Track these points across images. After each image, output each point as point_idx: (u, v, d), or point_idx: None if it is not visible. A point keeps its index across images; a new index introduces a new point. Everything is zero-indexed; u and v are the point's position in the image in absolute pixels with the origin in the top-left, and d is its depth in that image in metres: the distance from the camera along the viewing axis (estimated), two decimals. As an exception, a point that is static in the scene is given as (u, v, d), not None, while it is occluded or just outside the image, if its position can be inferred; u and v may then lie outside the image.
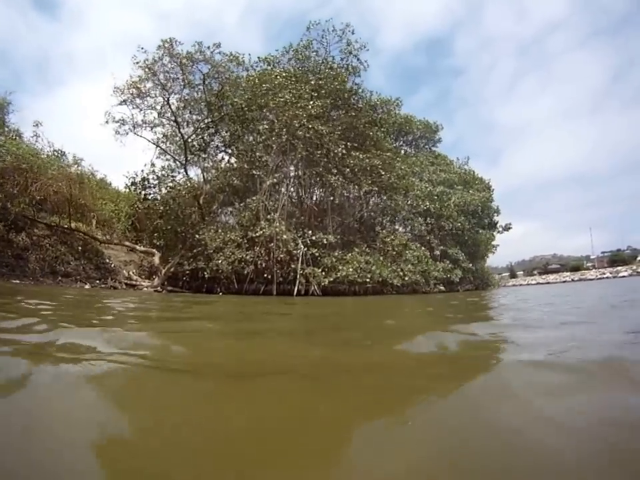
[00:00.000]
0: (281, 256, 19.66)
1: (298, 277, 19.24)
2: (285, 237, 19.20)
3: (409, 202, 26.99)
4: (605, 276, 62.70)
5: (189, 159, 28.11)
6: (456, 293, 22.44)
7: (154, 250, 23.83)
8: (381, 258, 20.79)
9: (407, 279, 20.53)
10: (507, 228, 38.53)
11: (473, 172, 34.42)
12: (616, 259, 72.29)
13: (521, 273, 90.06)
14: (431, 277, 22.31)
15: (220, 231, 22.17)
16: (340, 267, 19.36)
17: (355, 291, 20.65)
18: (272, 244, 20.11)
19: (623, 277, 60.37)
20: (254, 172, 22.49)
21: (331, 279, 19.20)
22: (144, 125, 27.24)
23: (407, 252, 21.70)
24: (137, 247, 24.57)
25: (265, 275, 20.73)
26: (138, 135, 26.95)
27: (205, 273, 21.99)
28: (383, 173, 21.69)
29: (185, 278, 23.99)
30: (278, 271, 20.64)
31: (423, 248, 23.16)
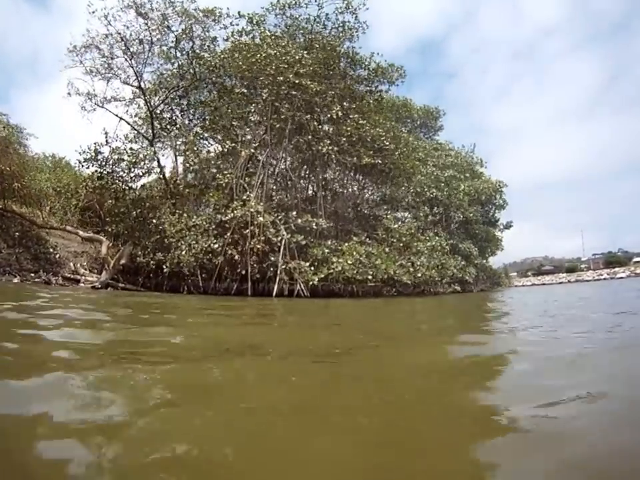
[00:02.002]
0: (258, 246, 14.46)
1: (279, 272, 14.06)
2: (261, 219, 14.00)
3: (412, 189, 22.05)
4: (602, 277, 58.44)
5: (156, 133, 22.91)
6: (475, 295, 17.49)
7: (101, 237, 18.42)
8: (387, 249, 15.64)
9: (419, 275, 15.42)
10: (507, 226, 33.71)
11: (481, 160, 29.58)
12: (612, 261, 68.17)
13: (514, 274, 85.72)
14: (447, 274, 17.19)
15: (185, 214, 16.94)
16: (334, 260, 14.20)
17: (352, 291, 15.60)
18: (247, 230, 14.93)
19: (621, 278, 56.18)
20: (227, 143, 17.34)
21: (322, 276, 14.03)
22: (112, 100, 22.46)
23: (418, 243, 16.60)
24: (80, 233, 19.15)
25: (239, 271, 15.55)
26: (105, 109, 22.05)
27: (165, 267, 16.83)
28: (387, 143, 16.60)
29: (149, 273, 18.73)
30: (255, 265, 15.44)
31: (437, 237, 18.05)
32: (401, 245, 16.24)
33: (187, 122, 23.28)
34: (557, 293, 19.42)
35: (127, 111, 23.01)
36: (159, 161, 21.77)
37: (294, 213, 14.71)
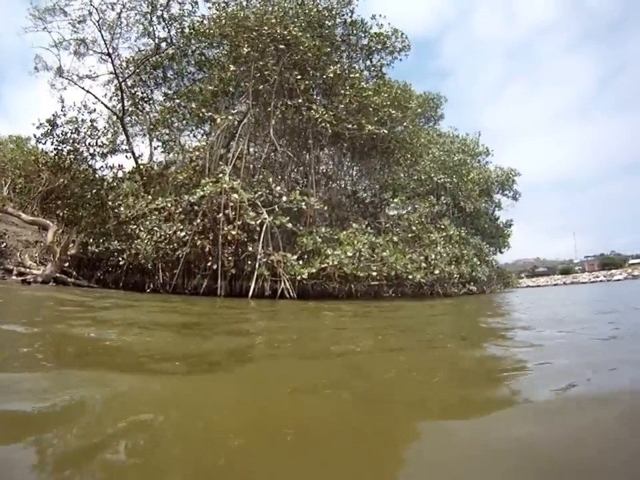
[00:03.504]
0: (232, 232, 11.13)
1: (257, 265, 10.72)
2: (235, 196, 10.64)
3: (416, 176, 18.89)
4: (598, 279, 56.22)
5: (128, 110, 19.72)
6: (495, 297, 14.37)
7: (47, 221, 14.90)
8: (395, 238, 12.30)
9: (437, 272, 12.14)
10: (507, 225, 30.59)
11: (487, 149, 26.45)
12: (607, 262, 65.99)
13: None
14: (466, 270, 13.91)
15: (148, 196, 13.55)
16: (329, 252, 10.88)
17: (350, 291, 12.34)
18: (220, 214, 11.58)
19: (618, 280, 54.05)
20: (203, 111, 14.02)
21: (313, 271, 10.70)
22: (85, 78, 19.65)
23: (430, 235, 13.34)
24: (22, 215, 15.62)
25: (209, 264, 12.19)
26: (78, 85, 19.19)
27: (121, 259, 13.54)
28: (394, 112, 13.38)
29: (111, 267, 15.46)
30: (230, 258, 12.09)
31: (453, 226, 14.77)
32: (410, 236, 12.97)
33: (162, 99, 19.96)
34: (586, 293, 16.45)
35: (106, 94, 20.05)
36: (127, 136, 18.43)
37: (278, 188, 11.34)
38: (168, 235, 12.21)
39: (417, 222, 13.15)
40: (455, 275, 12.90)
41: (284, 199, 10.93)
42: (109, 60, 18.62)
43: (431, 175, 19.04)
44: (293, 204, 10.99)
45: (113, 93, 19.95)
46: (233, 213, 11.36)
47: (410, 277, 11.44)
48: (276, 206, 11.16)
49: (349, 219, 14.14)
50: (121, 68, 19.28)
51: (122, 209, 13.12)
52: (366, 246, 11.09)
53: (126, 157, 18.03)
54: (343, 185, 18.79)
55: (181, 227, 12.17)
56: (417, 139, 15.98)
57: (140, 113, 20.08)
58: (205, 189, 11.17)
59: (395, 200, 13.48)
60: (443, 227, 14.28)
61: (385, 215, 14.07)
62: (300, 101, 12.42)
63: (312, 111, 12.18)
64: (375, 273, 10.86)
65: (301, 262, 11.26)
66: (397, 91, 14.79)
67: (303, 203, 10.86)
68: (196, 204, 11.90)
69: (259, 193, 11.00)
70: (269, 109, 12.81)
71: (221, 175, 12.09)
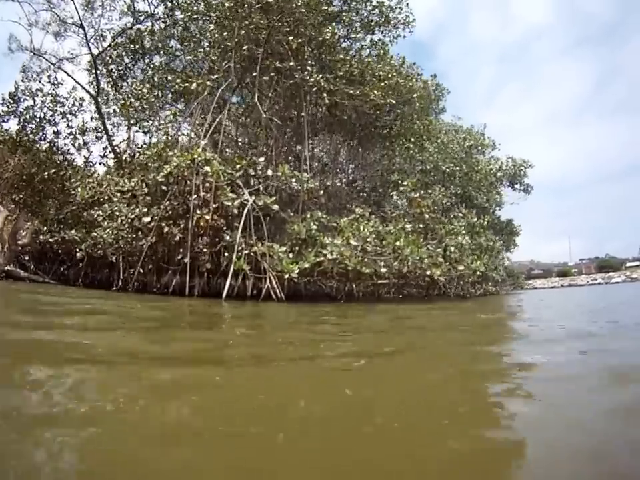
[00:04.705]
0: (207, 217, 8.76)
1: (234, 259, 8.35)
2: (207, 169, 8.27)
3: (421, 166, 16.68)
4: (597, 282, 54.48)
5: (103, 90, 17.49)
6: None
7: (-4, 206, 12.38)
8: (407, 227, 9.91)
9: (461, 267, 9.79)
10: (509, 223, 28.48)
11: (493, 141, 24.28)
12: (604, 265, 64.37)
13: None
14: (491, 267, 11.58)
15: (111, 176, 11.15)
16: (327, 242, 8.52)
17: (351, 291, 9.99)
18: (194, 197, 9.20)
19: (617, 282, 52.58)
20: (178, 83, 11.67)
21: (307, 266, 8.33)
22: (64, 60, 17.44)
23: (447, 225, 11.01)
24: (-37, 198, 13.11)
25: (179, 258, 9.79)
26: (59, 68, 17.08)
27: (79, 250, 11.17)
28: (402, 80, 11.11)
29: (77, 261, 13.15)
30: (205, 250, 9.72)
31: (475, 216, 12.47)
32: (421, 226, 10.62)
33: (140, 75, 17.63)
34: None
35: (89, 81, 17.83)
36: (101, 116, 16.04)
37: (261, 159, 8.96)
38: (130, 221, 9.84)
39: (429, 210, 10.81)
40: (479, 272, 10.59)
41: (269, 172, 8.54)
42: (82, 32, 16.44)
43: (438, 163, 16.81)
44: (281, 182, 8.62)
45: (87, 69, 17.67)
46: (208, 195, 9.00)
47: (427, 273, 9.06)
48: (260, 185, 8.78)
49: (347, 208, 11.80)
50: (95, 41, 17.07)
51: (79, 190, 10.70)
52: (372, 235, 8.75)
53: (96, 137, 15.73)
54: (340, 175, 16.55)
55: (146, 210, 9.78)
56: (426, 117, 13.70)
57: (117, 94, 17.75)
58: (173, 161, 8.79)
59: (405, 183, 11.15)
60: (462, 214, 12.00)
61: (391, 203, 11.74)
62: (292, 64, 10.07)
63: (305, 73, 9.84)
64: (383, 270, 8.50)
65: (291, 255, 8.91)
66: (403, 63, 12.50)
67: (294, 179, 8.50)
68: (163, 183, 9.52)
69: (239, 166, 8.61)
70: (255, 74, 10.45)
71: (191, 147, 9.72)
